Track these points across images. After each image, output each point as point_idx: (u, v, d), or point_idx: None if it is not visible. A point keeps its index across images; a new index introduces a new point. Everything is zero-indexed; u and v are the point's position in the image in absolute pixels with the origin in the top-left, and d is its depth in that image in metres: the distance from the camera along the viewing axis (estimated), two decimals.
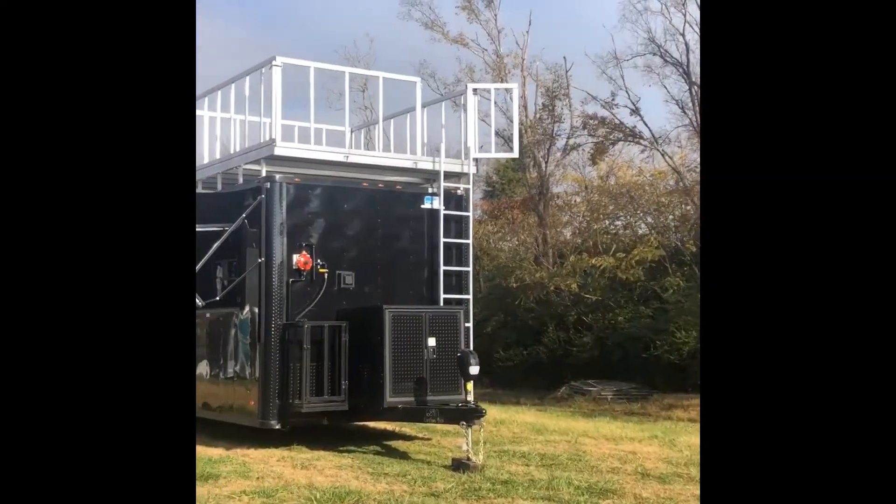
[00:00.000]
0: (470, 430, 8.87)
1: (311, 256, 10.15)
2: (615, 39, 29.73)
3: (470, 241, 11.01)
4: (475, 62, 27.18)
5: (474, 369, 9.02)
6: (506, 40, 27.20)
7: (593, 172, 28.46)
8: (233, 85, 11.13)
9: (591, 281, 24.60)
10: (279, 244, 10.00)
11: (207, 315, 10.97)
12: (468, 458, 8.75)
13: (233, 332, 10.52)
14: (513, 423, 12.96)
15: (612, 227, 27.19)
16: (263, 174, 10.37)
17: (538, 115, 26.57)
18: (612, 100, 24.84)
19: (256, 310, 10.04)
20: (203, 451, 9.98)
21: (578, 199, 28.65)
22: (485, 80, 26.18)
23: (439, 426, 11.02)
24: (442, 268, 10.75)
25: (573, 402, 20.95)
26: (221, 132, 11.76)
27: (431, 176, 11.36)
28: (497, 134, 21.96)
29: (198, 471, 8.62)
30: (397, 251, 10.75)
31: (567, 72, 26.31)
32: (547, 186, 26.93)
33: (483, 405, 9.88)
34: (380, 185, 10.81)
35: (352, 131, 11.50)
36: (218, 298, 10.23)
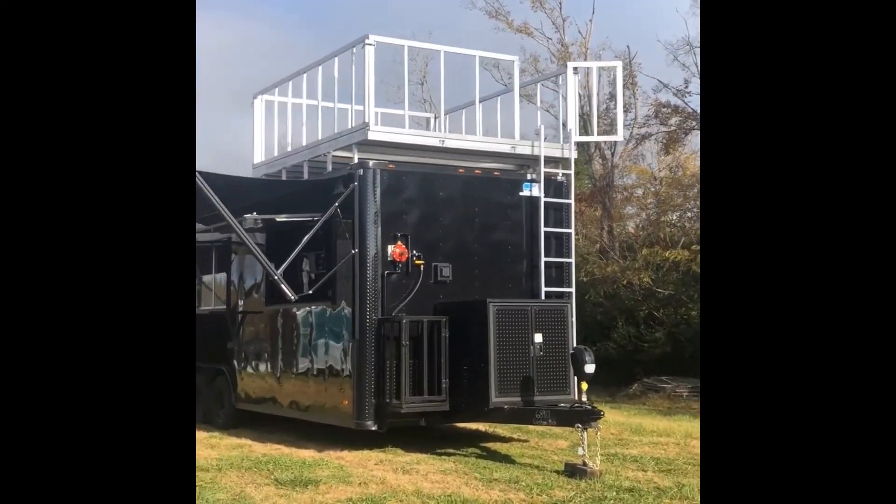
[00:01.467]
0: (586, 433, 8.23)
1: (407, 247, 9.56)
2: (689, 25, 28.69)
3: (572, 231, 10.33)
4: (540, 51, 26.48)
5: (590, 367, 8.38)
6: (570, 29, 26.49)
7: (655, 164, 27.62)
8: (320, 67, 10.55)
9: (661, 275, 23.82)
10: (373, 234, 9.42)
11: (294, 310, 10.44)
12: (584, 464, 8.12)
13: (324, 327, 9.96)
14: (604, 422, 12.27)
15: (679, 219, 26.37)
16: (355, 160, 9.79)
17: (605, 106, 25.77)
18: (686, 87, 23.97)
19: (350, 304, 9.48)
20: (295, 453, 9.48)
21: (641, 192, 27.88)
22: (549, 70, 25.43)
23: (534, 427, 10.42)
24: (543, 259, 10.10)
25: (647, 400, 20.30)
26: (307, 118, 11.18)
27: (526, 161, 10.72)
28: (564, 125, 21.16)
29: (295, 475, 8.14)
30: (495, 241, 10.12)
31: (631, 59, 25.46)
32: (612, 178, 26.16)
33: None
34: (476, 172, 10.17)
35: (441, 115, 10.84)
36: (311, 292, 9.66)
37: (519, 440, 10.57)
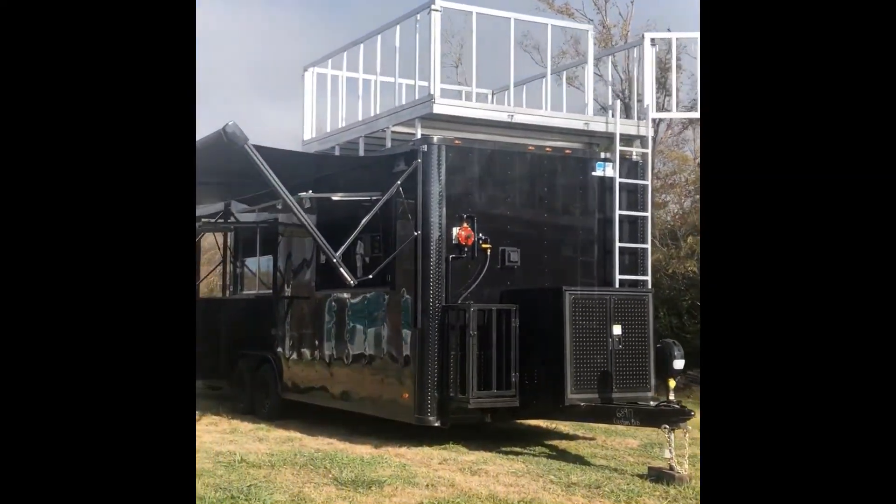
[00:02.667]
0: (673, 434, 7.54)
1: (473, 230, 8.87)
2: None
3: (648, 215, 9.59)
4: (580, 33, 25.66)
5: (679, 363, 7.70)
6: (612, 10, 25.67)
7: (692, 151, 26.81)
8: (379, 37, 9.84)
9: None
10: (437, 216, 8.74)
11: (348, 295, 9.80)
12: (670, 468, 7.44)
13: (382, 315, 9.30)
14: None
15: None
16: (418, 136, 9.09)
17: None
18: None
19: (411, 290, 8.80)
20: (350, 449, 8.85)
21: (683, 179, 27.09)
22: (586, 52, 24.63)
23: (597, 423, 9.73)
24: (617, 244, 9.38)
25: (690, 392, 19.57)
26: (363, 91, 10.50)
27: (597, 139, 10.00)
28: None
29: (356, 474, 7.51)
30: (566, 225, 9.40)
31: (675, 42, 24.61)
32: (654, 163, 25.43)
33: None
34: (547, 150, 9.46)
35: (511, 89, 10.11)
36: (371, 276, 8.98)
37: (585, 438, 9.90)
